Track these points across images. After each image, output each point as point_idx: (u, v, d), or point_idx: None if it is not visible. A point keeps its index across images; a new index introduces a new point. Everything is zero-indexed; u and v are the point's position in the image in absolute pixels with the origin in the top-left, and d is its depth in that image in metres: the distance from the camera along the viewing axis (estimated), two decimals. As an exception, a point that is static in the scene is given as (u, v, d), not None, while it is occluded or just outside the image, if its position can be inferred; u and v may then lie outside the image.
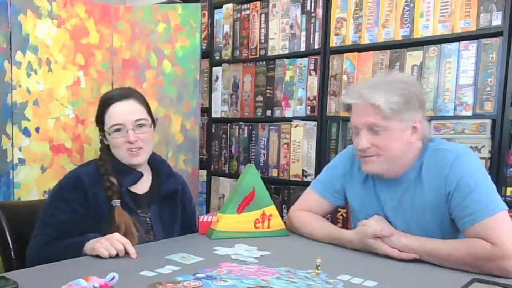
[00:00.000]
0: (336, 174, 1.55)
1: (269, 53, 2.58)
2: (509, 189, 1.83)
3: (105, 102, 1.50)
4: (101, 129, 1.51)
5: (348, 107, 1.38)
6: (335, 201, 1.56)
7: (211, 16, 2.84)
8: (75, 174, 1.47)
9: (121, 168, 1.49)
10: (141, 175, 1.52)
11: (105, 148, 1.53)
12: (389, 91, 1.28)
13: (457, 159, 1.27)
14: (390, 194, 1.39)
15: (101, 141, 1.54)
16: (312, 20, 2.39)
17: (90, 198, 1.41)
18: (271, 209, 1.55)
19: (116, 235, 1.28)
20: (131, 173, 1.50)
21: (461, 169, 1.26)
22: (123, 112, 1.47)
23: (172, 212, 1.57)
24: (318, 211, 1.56)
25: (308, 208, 1.57)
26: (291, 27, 2.48)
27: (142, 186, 1.53)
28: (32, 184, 2.29)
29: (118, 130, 1.46)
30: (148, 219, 1.50)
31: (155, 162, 1.58)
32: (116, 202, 1.42)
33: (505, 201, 1.32)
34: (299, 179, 2.46)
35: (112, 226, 1.36)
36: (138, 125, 1.47)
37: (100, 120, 1.51)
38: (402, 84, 1.31)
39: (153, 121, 1.54)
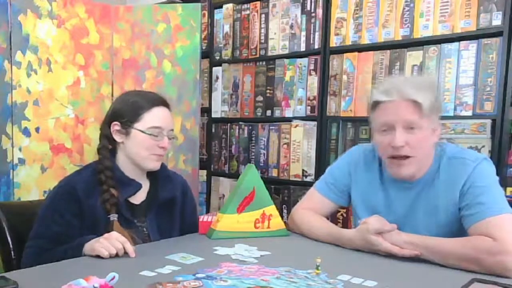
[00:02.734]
0: (341, 174, 1.55)
1: (269, 53, 2.58)
2: (509, 189, 1.84)
3: (149, 102, 1.46)
4: (128, 125, 1.44)
5: (376, 104, 1.35)
6: (338, 201, 1.57)
7: (211, 16, 2.84)
8: (70, 183, 1.41)
9: (120, 177, 1.46)
10: (140, 187, 1.49)
11: (107, 149, 1.48)
12: (428, 91, 1.30)
13: (476, 168, 1.29)
14: (403, 196, 1.40)
15: (105, 139, 1.49)
16: (312, 20, 2.39)
17: (86, 209, 1.38)
18: (271, 209, 1.55)
19: (114, 233, 1.27)
20: (131, 184, 1.47)
21: (477, 175, 1.28)
22: (166, 117, 1.48)
23: (170, 219, 1.54)
24: (322, 211, 1.57)
25: (312, 208, 1.57)
26: (291, 27, 2.48)
27: (140, 196, 1.50)
28: (32, 184, 2.29)
29: (156, 133, 1.44)
30: (145, 229, 1.48)
31: None
32: (114, 217, 1.39)
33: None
34: (299, 179, 2.46)
35: None
36: (170, 135, 1.49)
37: (133, 116, 1.44)
38: (434, 86, 1.34)
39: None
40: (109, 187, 1.41)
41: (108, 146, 1.49)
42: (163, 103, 1.49)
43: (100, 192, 1.41)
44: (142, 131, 1.43)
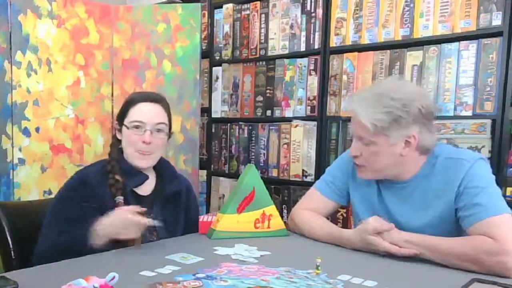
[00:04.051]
0: (340, 173, 1.56)
1: (269, 53, 2.58)
2: (509, 189, 1.84)
3: (135, 99, 1.53)
4: (120, 123, 1.52)
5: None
6: (338, 200, 1.57)
7: (211, 16, 2.84)
8: (81, 174, 1.48)
9: (127, 168, 1.50)
10: (146, 177, 1.53)
11: (116, 146, 1.54)
12: (376, 107, 1.31)
13: (472, 167, 1.29)
14: (395, 196, 1.41)
15: (114, 137, 1.57)
16: (312, 20, 2.39)
17: (98, 198, 1.42)
18: (271, 209, 1.55)
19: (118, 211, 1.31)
20: (137, 175, 1.51)
21: (472, 175, 1.28)
22: (148, 111, 1.50)
23: (175, 213, 1.57)
24: (322, 211, 1.57)
25: (312, 207, 1.57)
26: (291, 27, 2.48)
27: (146, 188, 1.54)
28: (32, 184, 2.29)
29: (137, 127, 1.48)
30: None
31: (159, 163, 1.59)
32: (120, 199, 1.43)
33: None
34: (299, 179, 2.46)
35: None
36: (157, 129, 1.50)
37: (123, 114, 1.52)
38: (392, 101, 1.30)
39: (170, 132, 1.56)
40: (114, 173, 1.46)
41: (117, 145, 1.55)
42: (153, 99, 1.53)
43: (108, 180, 1.46)
44: (127, 126, 1.49)
